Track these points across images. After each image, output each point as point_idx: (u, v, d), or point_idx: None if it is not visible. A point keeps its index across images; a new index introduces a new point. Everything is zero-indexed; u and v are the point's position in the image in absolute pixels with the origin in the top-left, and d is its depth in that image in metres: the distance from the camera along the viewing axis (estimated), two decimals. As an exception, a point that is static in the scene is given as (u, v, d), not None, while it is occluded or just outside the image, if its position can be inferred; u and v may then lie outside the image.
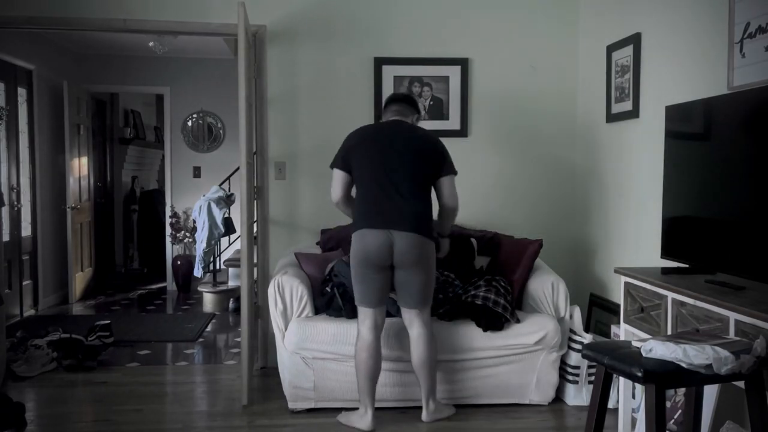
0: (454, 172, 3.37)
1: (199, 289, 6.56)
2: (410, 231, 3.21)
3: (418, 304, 3.31)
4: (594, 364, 2.48)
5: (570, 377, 3.70)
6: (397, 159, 3.27)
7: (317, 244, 4.18)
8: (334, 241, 4.07)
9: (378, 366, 3.33)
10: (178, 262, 7.35)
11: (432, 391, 3.39)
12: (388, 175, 3.25)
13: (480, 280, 3.74)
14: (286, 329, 3.56)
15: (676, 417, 2.73)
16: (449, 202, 3.37)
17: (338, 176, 3.38)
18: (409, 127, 3.44)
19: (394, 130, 3.39)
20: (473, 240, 4.09)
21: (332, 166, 3.41)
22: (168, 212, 7.51)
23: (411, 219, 3.23)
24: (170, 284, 7.45)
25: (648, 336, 2.65)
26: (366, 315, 3.31)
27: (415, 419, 3.43)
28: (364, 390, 3.33)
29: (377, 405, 3.44)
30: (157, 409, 3.68)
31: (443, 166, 3.35)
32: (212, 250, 6.61)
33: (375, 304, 3.30)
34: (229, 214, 6.51)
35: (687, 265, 2.84)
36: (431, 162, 3.33)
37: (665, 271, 2.87)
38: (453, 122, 4.38)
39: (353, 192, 3.43)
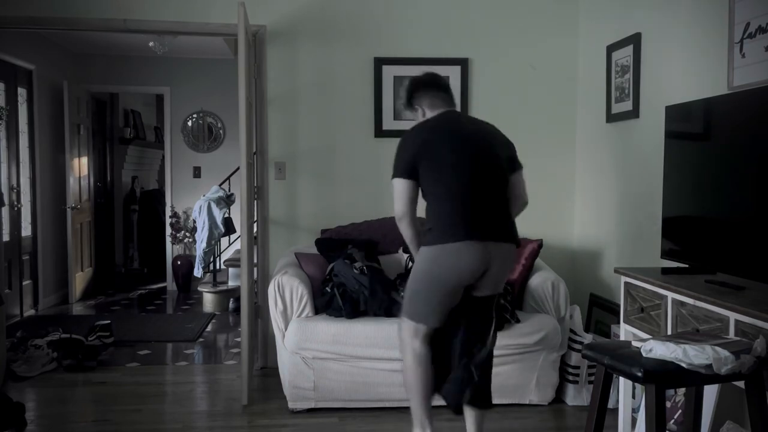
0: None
1: (199, 289, 6.56)
2: (511, 242, 2.81)
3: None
4: (594, 364, 2.48)
5: (570, 377, 3.70)
6: (483, 158, 2.83)
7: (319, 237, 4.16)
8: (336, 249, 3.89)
9: (432, 378, 2.92)
10: (178, 262, 7.35)
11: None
12: (478, 177, 2.79)
13: (480, 280, 3.71)
14: (286, 329, 3.56)
15: (676, 417, 2.73)
16: (525, 197, 2.98)
17: (403, 187, 2.80)
18: (473, 119, 3.10)
19: (464, 123, 2.97)
20: None
21: (395, 176, 2.83)
22: (168, 212, 7.51)
23: (510, 227, 2.85)
24: (170, 284, 7.46)
25: (648, 336, 2.65)
26: (420, 331, 2.86)
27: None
28: (422, 407, 2.86)
29: (376, 405, 3.43)
30: (157, 409, 3.68)
31: (516, 159, 2.97)
32: (212, 250, 6.61)
33: (436, 324, 2.85)
34: (229, 214, 6.52)
35: (687, 265, 2.84)
36: (507, 157, 2.93)
37: (665, 271, 2.87)
38: (453, 122, 4.37)
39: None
